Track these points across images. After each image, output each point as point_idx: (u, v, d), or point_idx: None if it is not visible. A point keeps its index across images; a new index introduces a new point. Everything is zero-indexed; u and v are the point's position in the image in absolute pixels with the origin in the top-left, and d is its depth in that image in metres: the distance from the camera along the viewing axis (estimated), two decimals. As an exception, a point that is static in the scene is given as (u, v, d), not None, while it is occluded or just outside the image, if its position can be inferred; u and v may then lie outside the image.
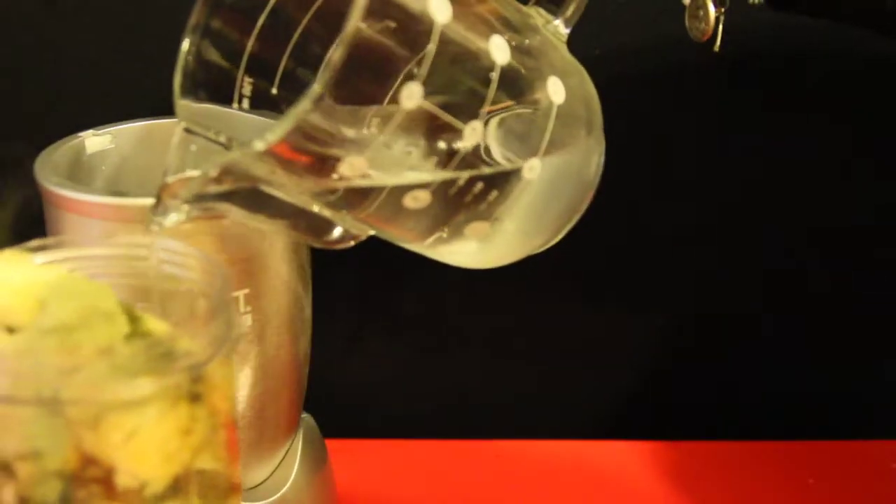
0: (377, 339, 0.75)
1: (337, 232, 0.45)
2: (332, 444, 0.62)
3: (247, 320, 0.53)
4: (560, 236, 0.47)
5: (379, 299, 0.74)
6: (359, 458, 0.70)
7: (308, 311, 0.57)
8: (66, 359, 0.38)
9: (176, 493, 0.40)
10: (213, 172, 0.40)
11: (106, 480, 0.39)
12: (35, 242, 0.42)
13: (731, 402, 0.76)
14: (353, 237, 0.45)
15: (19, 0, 0.67)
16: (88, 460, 0.39)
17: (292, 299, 0.55)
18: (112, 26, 0.68)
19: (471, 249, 0.46)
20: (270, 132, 0.37)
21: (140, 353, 0.39)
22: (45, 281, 0.40)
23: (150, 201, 0.43)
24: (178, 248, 0.42)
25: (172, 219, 0.43)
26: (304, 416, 0.60)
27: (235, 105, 0.46)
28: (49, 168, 0.52)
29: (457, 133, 0.41)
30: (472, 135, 0.42)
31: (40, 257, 0.42)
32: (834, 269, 0.74)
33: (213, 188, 0.40)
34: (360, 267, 0.71)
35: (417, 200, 0.42)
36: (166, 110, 0.52)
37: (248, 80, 0.46)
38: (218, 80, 0.46)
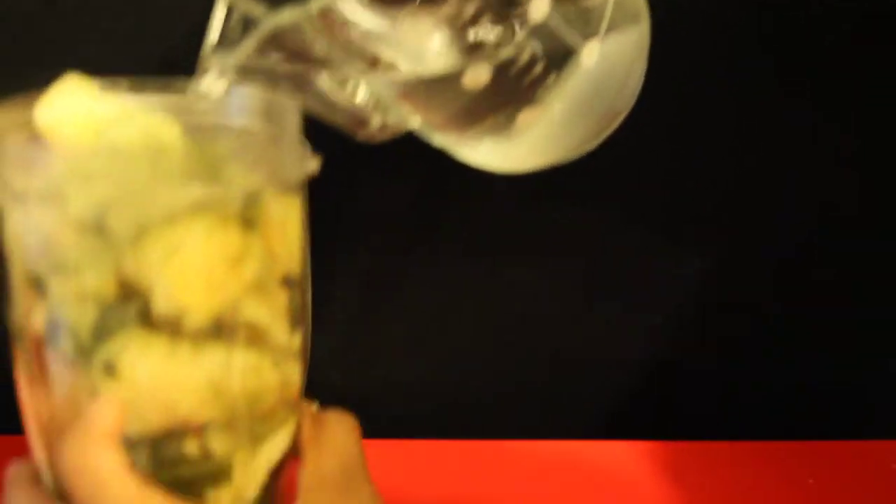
0: (377, 340, 0.75)
1: (375, 124, 0.44)
2: (332, 444, 0.62)
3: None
4: (595, 143, 0.47)
5: (379, 301, 0.74)
6: (359, 458, 0.70)
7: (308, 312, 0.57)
8: (115, 176, 0.36)
9: (218, 336, 0.37)
10: (263, 35, 0.39)
11: (144, 312, 0.37)
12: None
13: (736, 397, 0.76)
14: (392, 130, 0.44)
15: (19, 0, 0.67)
16: (127, 288, 0.36)
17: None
18: (112, 26, 0.67)
19: (512, 144, 0.46)
20: None
21: (191, 163, 0.36)
22: (109, 114, 0.38)
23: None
24: (244, 90, 0.40)
25: (216, 87, 0.41)
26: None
27: None
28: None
29: (522, 7, 0.41)
30: (537, 9, 0.42)
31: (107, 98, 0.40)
32: (838, 264, 0.74)
33: (258, 59, 0.40)
34: (360, 268, 0.71)
35: (476, 79, 0.42)
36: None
37: None
38: None
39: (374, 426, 0.76)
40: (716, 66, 0.69)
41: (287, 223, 0.39)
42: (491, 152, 0.46)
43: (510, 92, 0.43)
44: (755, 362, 0.76)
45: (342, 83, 0.42)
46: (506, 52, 0.42)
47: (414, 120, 0.43)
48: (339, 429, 0.43)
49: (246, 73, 0.40)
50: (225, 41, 0.42)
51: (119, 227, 0.36)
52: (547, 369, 0.76)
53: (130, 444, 0.37)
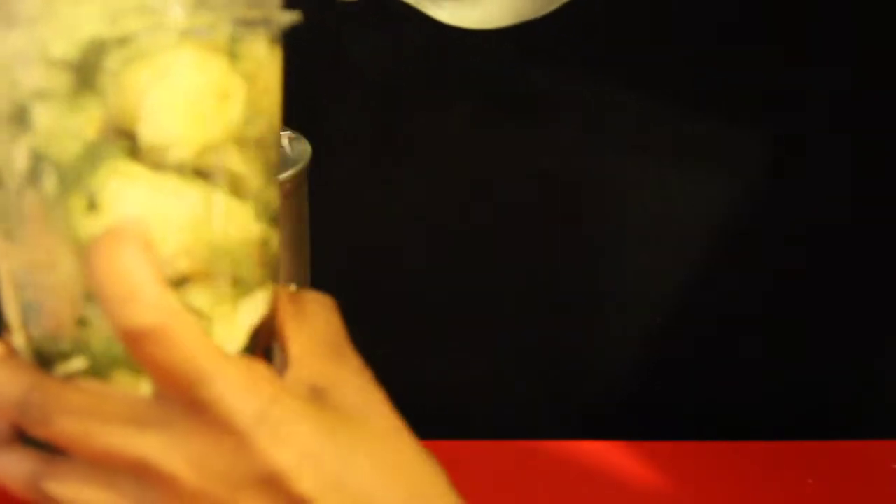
0: (375, 341, 0.75)
1: None
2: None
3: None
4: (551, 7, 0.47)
5: (376, 301, 0.74)
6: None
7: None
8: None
9: (201, 175, 0.37)
10: None
11: (129, 146, 0.36)
12: None
13: (735, 397, 0.76)
14: None
15: None
16: (113, 120, 0.36)
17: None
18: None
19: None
20: None
21: None
22: None
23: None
24: None
25: None
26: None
27: None
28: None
29: None
30: None
31: None
32: (833, 266, 0.74)
33: None
34: (357, 268, 0.71)
35: None
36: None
37: None
38: None
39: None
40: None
41: (269, 74, 0.39)
42: (460, 8, 0.46)
43: None
44: (755, 362, 0.76)
45: None
46: None
47: None
48: (319, 306, 0.43)
49: None
50: None
51: (105, 59, 0.36)
52: (547, 369, 0.76)
53: None
